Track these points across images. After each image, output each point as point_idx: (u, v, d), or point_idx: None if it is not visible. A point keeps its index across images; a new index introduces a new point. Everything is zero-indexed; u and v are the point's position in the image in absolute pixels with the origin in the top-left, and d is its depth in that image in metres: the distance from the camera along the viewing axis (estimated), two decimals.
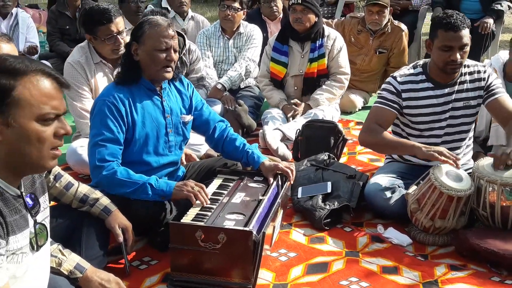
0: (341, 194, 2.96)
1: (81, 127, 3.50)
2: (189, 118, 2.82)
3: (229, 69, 4.70)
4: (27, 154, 1.44)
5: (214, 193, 2.59)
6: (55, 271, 1.89)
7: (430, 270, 2.47)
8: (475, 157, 3.21)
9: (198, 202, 2.45)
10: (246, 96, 4.58)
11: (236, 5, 4.63)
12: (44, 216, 1.65)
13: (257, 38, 4.79)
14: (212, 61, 4.78)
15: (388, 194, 2.86)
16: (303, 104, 4.27)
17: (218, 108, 4.28)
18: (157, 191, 2.48)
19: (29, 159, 1.45)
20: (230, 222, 2.33)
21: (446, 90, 2.97)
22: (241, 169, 2.88)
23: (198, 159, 3.36)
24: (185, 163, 3.17)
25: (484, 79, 2.98)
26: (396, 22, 4.97)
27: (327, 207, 2.87)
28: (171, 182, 2.54)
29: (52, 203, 2.35)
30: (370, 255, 2.60)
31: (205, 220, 2.33)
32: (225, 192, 2.61)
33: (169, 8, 5.62)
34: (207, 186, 2.60)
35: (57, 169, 2.33)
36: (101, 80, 3.49)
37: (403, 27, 4.96)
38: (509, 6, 5.94)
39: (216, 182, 2.73)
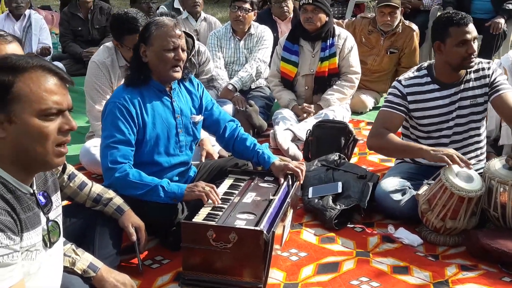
0: (352, 194, 2.97)
1: (96, 129, 3.52)
2: (199, 118, 2.84)
3: (240, 70, 4.73)
4: (32, 150, 1.45)
5: (225, 193, 2.61)
6: (69, 270, 1.92)
7: (441, 270, 2.47)
8: (486, 158, 3.20)
9: (209, 201, 2.47)
10: (257, 97, 4.60)
11: (247, 6, 4.66)
12: (56, 214, 1.67)
13: (267, 39, 4.81)
14: (223, 62, 4.81)
15: (398, 196, 2.87)
16: (312, 106, 4.29)
17: (229, 108, 4.31)
18: (168, 194, 2.50)
19: (34, 156, 1.46)
20: (241, 221, 2.35)
21: (452, 90, 2.98)
22: (252, 169, 2.90)
23: (216, 155, 3.38)
24: (203, 160, 3.19)
25: (488, 75, 2.98)
26: (407, 22, 4.97)
27: (338, 207, 2.88)
28: (183, 185, 2.56)
29: (66, 202, 2.38)
30: (381, 255, 2.61)
31: (217, 219, 2.35)
32: (236, 192, 2.63)
33: (181, 9, 5.67)
34: (218, 186, 2.62)
35: (71, 169, 2.36)
36: None
37: (414, 27, 4.96)
38: None
39: (227, 182, 2.75)
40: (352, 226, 2.89)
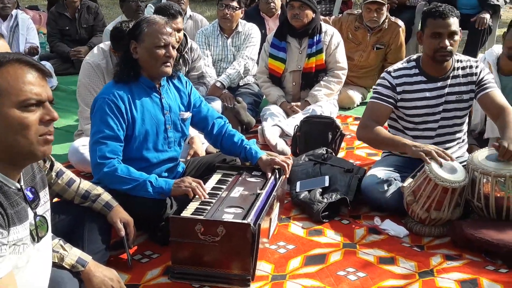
0: (339, 188, 3.00)
1: (85, 128, 3.53)
2: (187, 115, 2.87)
3: (228, 67, 4.75)
4: (15, 143, 1.46)
5: (213, 188, 2.64)
6: (57, 266, 1.94)
7: (426, 260, 2.52)
8: (469, 150, 3.27)
9: (197, 197, 2.50)
10: (245, 94, 4.63)
11: (234, 4, 4.68)
12: (44, 209, 1.69)
13: (255, 37, 4.84)
14: (211, 59, 4.83)
15: (384, 186, 2.91)
16: (299, 105, 4.33)
17: (217, 105, 4.33)
18: (156, 189, 2.52)
19: (18, 148, 1.47)
20: (229, 215, 2.37)
21: (439, 84, 3.03)
22: (239, 165, 2.93)
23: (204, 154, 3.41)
24: (189, 158, 3.22)
25: (476, 74, 3.04)
26: (393, 18, 5.02)
27: (325, 200, 2.92)
28: (170, 180, 2.58)
29: (55, 199, 2.40)
30: (367, 247, 2.65)
31: (205, 213, 2.38)
32: (224, 186, 2.65)
33: None
34: (206, 182, 2.65)
35: (59, 166, 2.37)
36: None
37: (400, 23, 5.01)
38: (505, 1, 5.98)
39: (215, 177, 2.78)
40: (339, 219, 2.93)
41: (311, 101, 4.33)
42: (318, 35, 4.36)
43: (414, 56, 3.14)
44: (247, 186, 2.65)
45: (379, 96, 3.07)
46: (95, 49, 3.69)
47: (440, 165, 2.71)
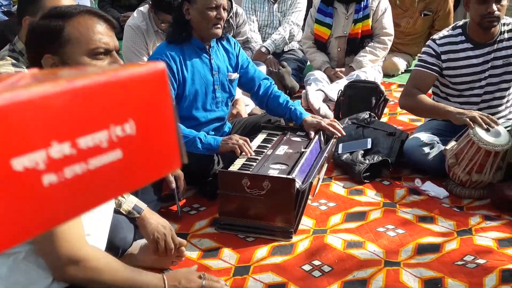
0: (381, 150, 3.07)
1: None
2: (235, 75, 2.97)
3: (273, 33, 4.81)
4: None
5: (259, 146, 2.75)
6: (115, 211, 2.09)
7: (465, 220, 2.57)
8: None
9: (243, 153, 2.62)
10: (289, 59, 4.68)
11: None
12: None
13: (301, 2, 4.86)
14: (257, 25, 4.89)
15: (426, 149, 2.96)
16: (343, 69, 4.36)
17: (262, 70, 4.39)
18: (205, 145, 2.65)
19: None
20: (274, 171, 2.49)
21: (486, 50, 3.01)
22: (284, 125, 3.02)
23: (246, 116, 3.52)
24: (231, 118, 3.34)
25: None
26: None
27: (367, 161, 2.99)
28: (218, 137, 2.71)
29: None
30: (407, 206, 2.72)
31: (251, 169, 2.50)
32: (269, 145, 2.76)
33: None
34: (252, 140, 2.76)
35: None
36: None
37: None
38: None
39: (261, 136, 2.89)
40: (380, 180, 3.00)
41: (356, 67, 4.35)
42: (365, 0, 4.36)
43: (461, 23, 3.12)
44: (291, 145, 2.75)
45: (423, 64, 3.08)
46: (135, 13, 3.78)
47: (485, 129, 2.73)
